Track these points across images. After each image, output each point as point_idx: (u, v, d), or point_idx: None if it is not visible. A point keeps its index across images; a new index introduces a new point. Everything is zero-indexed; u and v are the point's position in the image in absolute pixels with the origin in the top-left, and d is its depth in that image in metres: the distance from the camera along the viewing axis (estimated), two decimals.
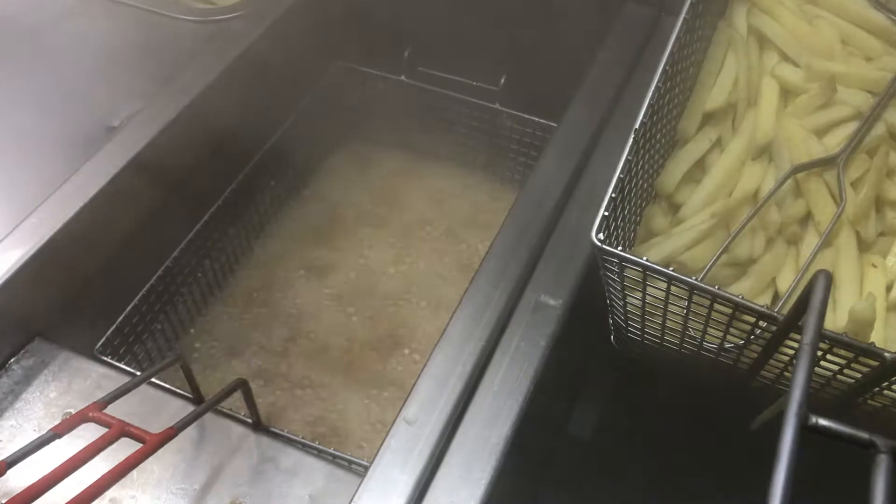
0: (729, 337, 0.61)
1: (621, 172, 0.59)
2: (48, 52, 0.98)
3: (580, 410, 1.06)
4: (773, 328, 0.55)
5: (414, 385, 0.69)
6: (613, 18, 1.06)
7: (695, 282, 0.56)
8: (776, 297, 0.71)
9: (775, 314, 0.53)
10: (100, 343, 0.84)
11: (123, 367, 0.81)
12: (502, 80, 1.10)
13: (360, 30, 1.16)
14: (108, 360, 0.82)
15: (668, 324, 0.65)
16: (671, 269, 0.56)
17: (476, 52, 1.14)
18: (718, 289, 0.55)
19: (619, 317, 0.69)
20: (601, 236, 0.57)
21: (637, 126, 0.61)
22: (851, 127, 0.75)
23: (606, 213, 0.58)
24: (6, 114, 0.92)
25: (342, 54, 1.17)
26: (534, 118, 1.11)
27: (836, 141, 0.75)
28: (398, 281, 1.09)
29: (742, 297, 0.55)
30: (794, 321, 0.51)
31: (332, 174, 1.21)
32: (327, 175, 1.21)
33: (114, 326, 0.86)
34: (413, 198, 1.19)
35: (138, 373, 0.80)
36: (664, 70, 0.63)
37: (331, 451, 0.76)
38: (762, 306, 0.55)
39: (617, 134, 0.91)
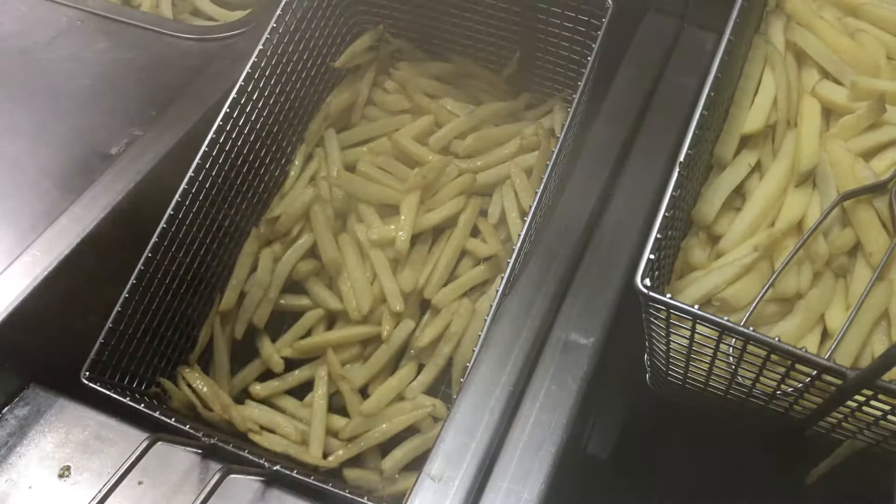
0: (783, 386, 0.57)
1: (667, 210, 0.54)
2: (41, 75, 0.93)
3: (598, 428, 1.00)
4: (840, 382, 0.50)
5: (438, 436, 0.64)
6: (634, 29, 1.01)
7: (751, 332, 0.51)
8: (825, 334, 0.66)
9: (844, 370, 0.48)
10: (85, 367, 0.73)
11: (126, 401, 0.73)
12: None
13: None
14: (97, 387, 0.73)
15: (715, 370, 0.60)
16: (726, 318, 0.51)
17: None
18: (778, 340, 0.50)
19: (659, 360, 0.64)
20: (647, 282, 0.52)
21: (682, 159, 0.56)
22: None
23: (652, 256, 0.53)
24: None
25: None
26: None
27: (885, 165, 0.70)
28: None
29: (805, 350, 0.50)
30: (870, 380, 0.46)
31: None
32: None
33: (98, 343, 0.75)
34: None
35: (142, 408, 0.73)
36: (709, 95, 0.58)
37: (346, 494, 0.70)
38: (828, 360, 0.50)
39: (644, 155, 0.86)
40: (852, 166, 0.69)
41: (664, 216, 0.54)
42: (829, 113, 0.75)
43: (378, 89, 1.02)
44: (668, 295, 0.52)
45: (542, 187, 0.77)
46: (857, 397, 0.51)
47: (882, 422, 0.54)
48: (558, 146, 0.79)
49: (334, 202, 0.93)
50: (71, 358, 0.75)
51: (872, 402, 0.52)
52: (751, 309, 0.62)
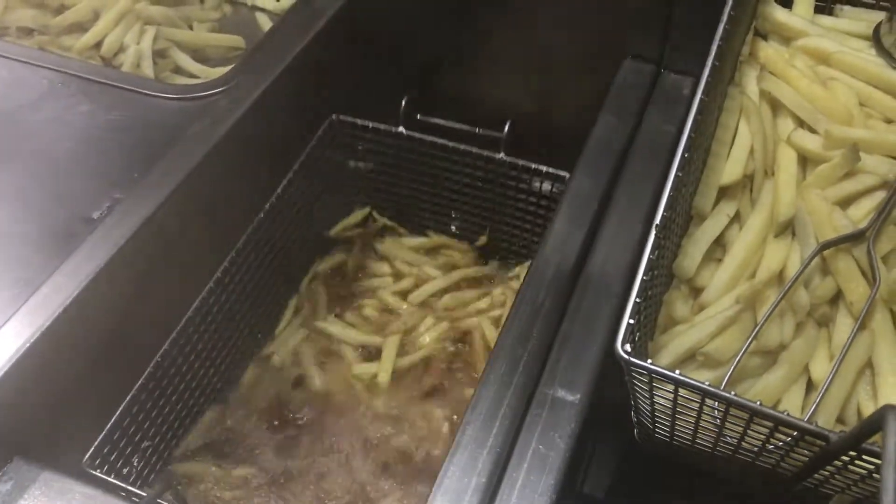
0: (768, 445, 0.56)
1: (645, 273, 0.55)
2: (23, 139, 0.93)
3: (588, 483, 0.99)
4: (823, 444, 0.50)
5: (427, 502, 0.64)
6: (613, 75, 1.02)
7: (732, 397, 0.51)
8: (810, 385, 0.66)
9: (827, 433, 0.48)
10: (88, 455, 0.77)
11: (112, 480, 0.75)
12: (506, 128, 1.04)
13: (354, 86, 1.11)
14: (98, 473, 0.75)
15: (701, 428, 0.60)
16: (707, 382, 0.51)
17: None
18: (760, 404, 0.50)
19: (645, 418, 0.64)
20: (627, 347, 0.52)
21: (658, 221, 0.56)
22: (878, 197, 0.71)
23: (632, 321, 0.53)
24: None
25: (337, 109, 1.10)
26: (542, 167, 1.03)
27: (862, 213, 0.71)
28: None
29: (787, 413, 0.50)
30: (853, 445, 0.46)
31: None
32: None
33: (103, 434, 0.78)
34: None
35: (128, 486, 0.74)
36: (682, 157, 0.59)
37: None
38: (810, 423, 0.49)
39: (625, 202, 0.86)
40: (830, 215, 0.70)
41: (642, 280, 0.54)
42: (806, 161, 0.75)
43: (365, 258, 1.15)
44: (650, 360, 0.52)
45: None
46: (843, 457, 0.51)
47: (868, 479, 0.54)
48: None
49: None
50: (55, 429, 0.75)
51: (858, 462, 0.52)
52: (733, 365, 0.62)
